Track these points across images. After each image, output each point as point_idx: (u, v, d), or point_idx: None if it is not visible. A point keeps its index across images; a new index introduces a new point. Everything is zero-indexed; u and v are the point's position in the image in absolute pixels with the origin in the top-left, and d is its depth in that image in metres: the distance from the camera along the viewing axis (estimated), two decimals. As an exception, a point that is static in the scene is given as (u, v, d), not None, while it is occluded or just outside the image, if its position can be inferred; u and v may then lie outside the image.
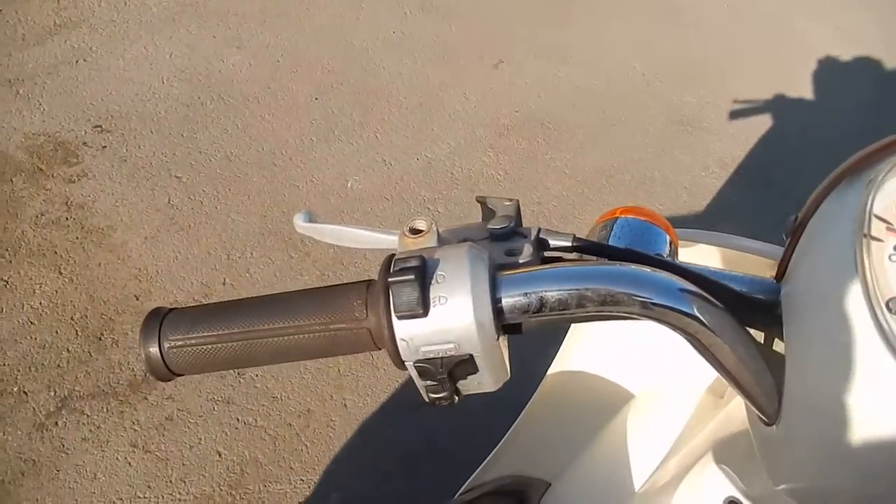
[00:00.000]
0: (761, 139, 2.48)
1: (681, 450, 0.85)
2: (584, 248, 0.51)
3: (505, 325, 0.45)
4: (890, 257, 0.37)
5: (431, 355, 0.42)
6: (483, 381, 0.45)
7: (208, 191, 2.18)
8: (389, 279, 0.41)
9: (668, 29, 2.91)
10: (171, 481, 1.56)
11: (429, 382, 0.44)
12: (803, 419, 0.40)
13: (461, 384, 0.45)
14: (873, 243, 0.37)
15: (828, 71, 2.71)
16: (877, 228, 0.38)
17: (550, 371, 1.06)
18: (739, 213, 2.23)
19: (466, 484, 1.24)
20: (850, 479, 0.40)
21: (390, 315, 0.41)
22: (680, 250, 0.73)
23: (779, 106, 2.58)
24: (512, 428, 1.18)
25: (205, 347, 0.45)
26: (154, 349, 0.45)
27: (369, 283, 0.44)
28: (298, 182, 2.24)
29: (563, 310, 0.43)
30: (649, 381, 0.99)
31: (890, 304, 0.35)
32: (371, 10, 2.90)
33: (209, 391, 1.72)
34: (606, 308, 0.43)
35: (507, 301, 0.43)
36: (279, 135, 2.37)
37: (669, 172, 2.36)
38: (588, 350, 1.05)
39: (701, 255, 0.75)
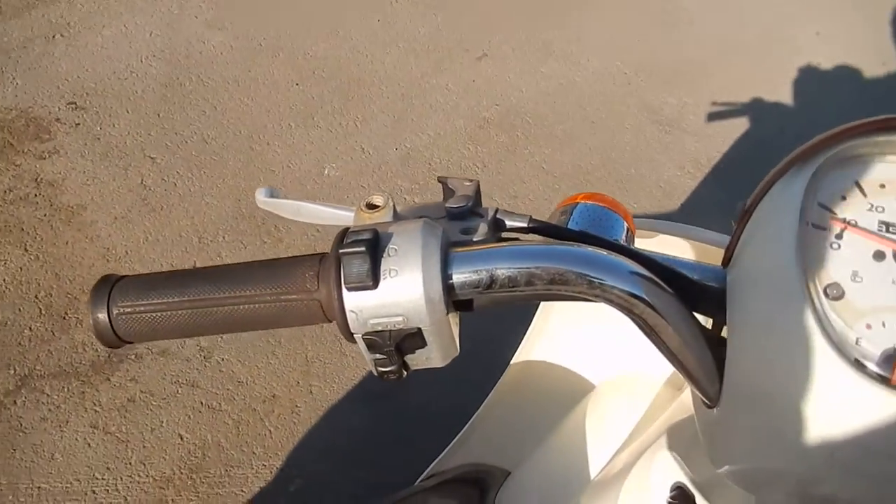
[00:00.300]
0: (739, 140, 2.49)
1: (636, 439, 0.86)
2: (540, 229, 0.52)
3: (456, 301, 0.45)
4: (831, 245, 0.37)
5: (380, 328, 0.42)
6: (431, 357, 0.45)
7: (182, 172, 2.15)
8: (340, 250, 0.41)
9: (654, 29, 2.92)
10: (130, 463, 1.54)
11: (377, 356, 0.44)
12: (741, 402, 0.40)
13: (409, 359, 0.45)
14: (816, 231, 0.37)
15: (809, 74, 2.73)
16: (820, 217, 0.38)
17: (514, 360, 1.06)
18: (710, 211, 2.24)
19: (427, 471, 1.24)
20: (786, 461, 0.41)
21: (340, 286, 0.42)
22: (638, 239, 0.73)
23: (758, 108, 2.59)
24: (474, 416, 1.18)
25: (154, 315, 0.45)
26: (102, 315, 0.45)
27: (323, 255, 0.45)
28: (275, 167, 2.21)
29: (513, 287, 0.43)
30: (610, 371, 0.99)
31: (828, 290, 0.35)
32: (356, -3, 2.88)
33: (174, 374, 1.70)
34: (555, 287, 0.43)
35: (458, 277, 0.43)
36: (257, 119, 2.35)
37: (646, 171, 2.37)
38: (551, 340, 1.06)
39: (660, 244, 0.76)
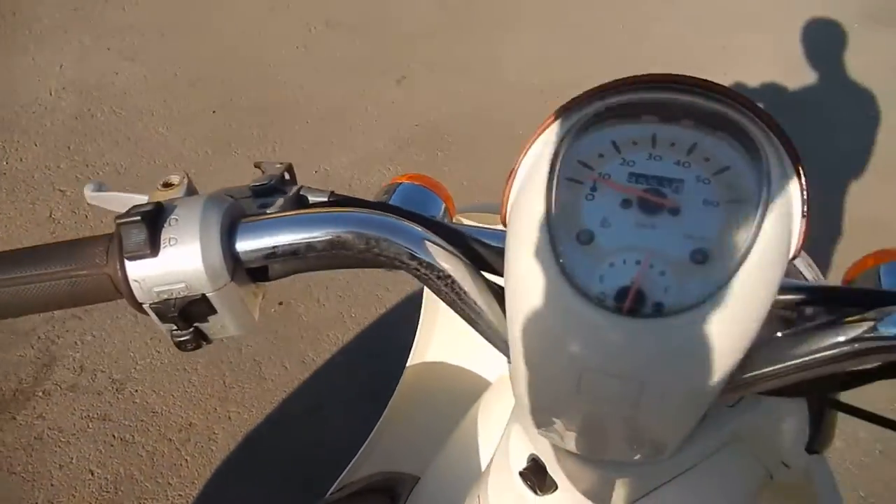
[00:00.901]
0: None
1: None
2: (341, 202, 0.53)
3: (251, 270, 0.47)
4: (587, 197, 0.40)
5: (165, 296, 0.43)
6: (226, 325, 0.47)
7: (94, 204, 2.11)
8: (118, 221, 0.42)
9: (565, 45, 3.01)
10: (37, 503, 1.48)
11: (172, 327, 0.45)
12: (517, 350, 0.43)
13: (205, 328, 0.46)
14: (574, 185, 0.40)
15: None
16: (578, 172, 0.41)
17: (408, 363, 1.07)
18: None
19: (337, 483, 1.23)
20: (553, 398, 0.43)
21: (122, 256, 0.43)
22: (462, 217, 0.76)
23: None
24: (378, 424, 1.18)
25: None
26: None
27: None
28: (191, 195, 2.19)
29: (296, 252, 0.45)
30: (504, 366, 1.01)
31: (580, 236, 0.38)
32: (275, 25, 2.90)
33: (84, 408, 1.65)
34: (338, 250, 0.45)
35: (243, 245, 0.45)
36: (173, 147, 2.33)
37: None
38: (442, 340, 1.07)
39: (479, 221, 0.78)
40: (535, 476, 0.60)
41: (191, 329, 0.45)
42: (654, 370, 0.37)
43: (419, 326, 1.02)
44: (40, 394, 1.67)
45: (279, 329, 1.87)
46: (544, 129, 0.44)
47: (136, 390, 1.70)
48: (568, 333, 0.37)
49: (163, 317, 0.44)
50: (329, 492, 1.23)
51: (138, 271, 0.43)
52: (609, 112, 0.42)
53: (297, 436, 1.66)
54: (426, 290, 0.94)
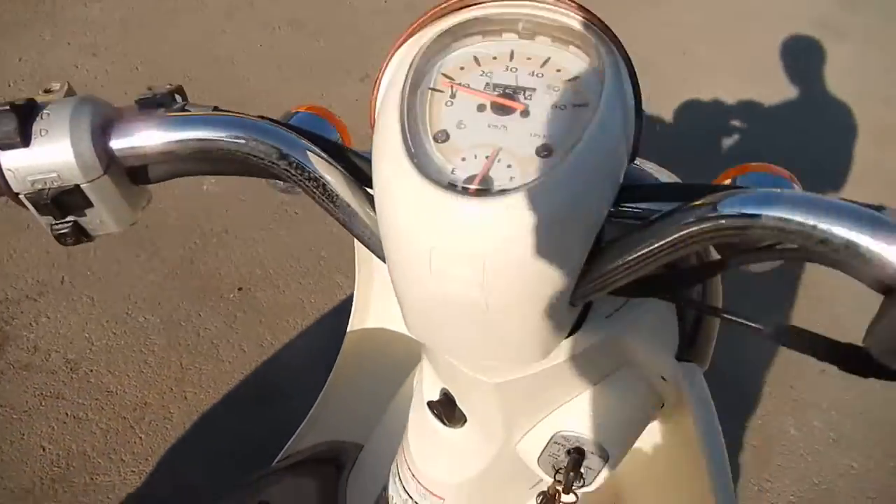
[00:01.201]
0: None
1: None
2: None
3: (130, 170, 0.49)
4: (446, 103, 0.44)
5: (39, 186, 0.46)
6: (105, 220, 0.49)
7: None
8: None
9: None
10: (-15, 477, 1.47)
11: (51, 220, 0.48)
12: (388, 251, 0.45)
13: (84, 222, 0.49)
14: (435, 93, 0.44)
15: (667, 92, 2.96)
16: (441, 82, 0.45)
17: (349, 329, 1.06)
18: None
19: (282, 453, 1.23)
20: (420, 292, 0.45)
21: None
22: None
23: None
24: (321, 393, 1.18)
25: None
26: None
27: None
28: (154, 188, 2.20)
29: (168, 153, 0.48)
30: None
31: (437, 136, 0.42)
32: (239, 24, 2.93)
33: (37, 387, 1.64)
34: (209, 151, 0.48)
35: (118, 143, 0.47)
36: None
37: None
38: (380, 305, 1.06)
39: None
40: (444, 408, 0.63)
41: (69, 222, 0.48)
42: (494, 246, 0.39)
43: (355, 292, 1.02)
44: (-8, 373, 1.66)
45: (238, 314, 1.89)
46: (405, 41, 0.47)
47: (91, 370, 1.70)
48: (419, 215, 0.40)
49: (38, 206, 0.46)
50: (275, 461, 1.23)
51: (11, 161, 0.45)
52: (471, 28, 0.46)
53: (253, 417, 1.67)
54: (357, 257, 0.93)
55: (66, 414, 1.60)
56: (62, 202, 0.46)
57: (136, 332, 1.79)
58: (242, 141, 0.47)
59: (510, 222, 0.38)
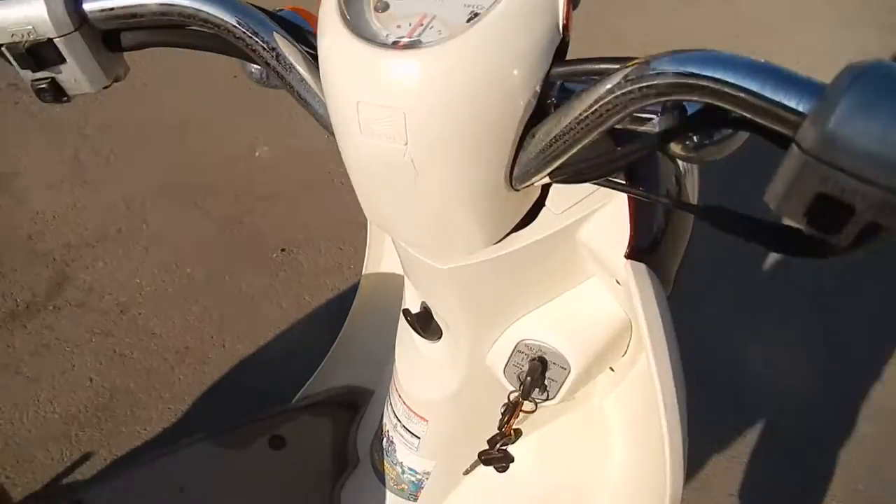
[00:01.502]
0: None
1: None
2: None
3: (104, 34, 0.53)
4: None
5: (17, 39, 0.51)
6: (78, 79, 0.54)
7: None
8: None
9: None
10: (38, 400, 1.59)
11: (30, 74, 0.52)
12: (332, 117, 0.47)
13: (61, 80, 0.54)
14: None
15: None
16: None
17: (364, 272, 1.10)
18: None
19: (301, 392, 1.29)
20: (353, 152, 0.47)
21: None
22: None
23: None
24: (338, 338, 1.22)
25: None
26: None
27: None
28: (209, 152, 2.31)
29: (133, 16, 0.51)
30: None
31: (377, 6, 0.45)
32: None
33: (89, 324, 1.76)
34: (170, 15, 0.51)
35: (89, 5, 0.52)
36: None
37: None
38: (393, 249, 1.10)
39: None
40: (420, 319, 0.66)
41: (47, 78, 0.53)
42: (412, 101, 0.41)
43: (368, 239, 1.05)
44: (51, 308, 1.79)
45: (279, 273, 1.97)
46: None
47: (140, 313, 1.81)
48: (349, 71, 0.43)
49: (17, 58, 0.51)
50: (294, 400, 1.29)
51: None
52: None
53: (287, 367, 1.75)
54: None
55: (114, 351, 1.72)
56: (37, 54, 0.51)
57: (182, 282, 1.90)
58: (203, 6, 0.50)
59: (426, 74, 0.40)
